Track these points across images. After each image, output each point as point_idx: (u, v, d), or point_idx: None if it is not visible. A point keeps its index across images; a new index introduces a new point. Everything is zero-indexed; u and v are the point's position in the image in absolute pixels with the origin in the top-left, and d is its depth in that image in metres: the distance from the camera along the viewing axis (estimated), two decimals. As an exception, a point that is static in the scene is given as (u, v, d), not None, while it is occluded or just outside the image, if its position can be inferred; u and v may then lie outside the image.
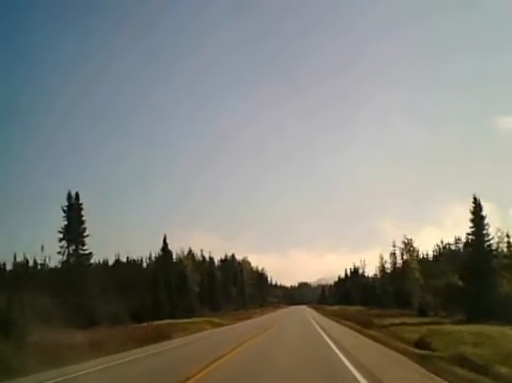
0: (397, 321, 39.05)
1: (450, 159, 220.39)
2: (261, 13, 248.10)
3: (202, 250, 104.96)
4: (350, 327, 35.60)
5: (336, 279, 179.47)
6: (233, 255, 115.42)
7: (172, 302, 61.77)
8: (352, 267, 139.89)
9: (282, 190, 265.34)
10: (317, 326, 38.75)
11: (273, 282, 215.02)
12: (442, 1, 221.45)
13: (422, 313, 53.92)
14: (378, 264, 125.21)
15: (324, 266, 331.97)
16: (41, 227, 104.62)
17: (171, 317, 55.81)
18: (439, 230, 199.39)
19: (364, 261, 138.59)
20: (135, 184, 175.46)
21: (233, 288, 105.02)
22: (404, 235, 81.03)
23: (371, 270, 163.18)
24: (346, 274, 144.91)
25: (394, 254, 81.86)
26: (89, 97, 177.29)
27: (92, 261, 51.28)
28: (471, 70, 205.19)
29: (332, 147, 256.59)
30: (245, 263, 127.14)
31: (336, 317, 54.58)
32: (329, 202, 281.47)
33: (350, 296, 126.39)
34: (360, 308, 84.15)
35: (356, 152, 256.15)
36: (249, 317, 68.33)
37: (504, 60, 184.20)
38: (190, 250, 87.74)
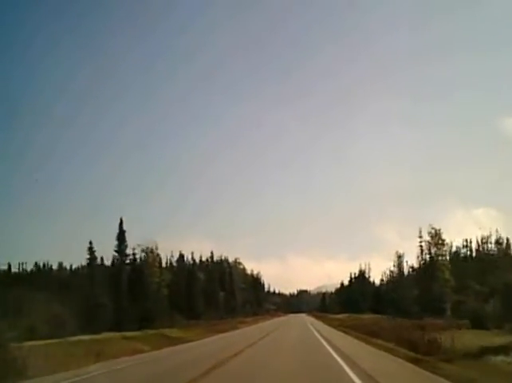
0: (472, 341, 21.59)
1: (452, 164, 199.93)
2: (262, 13, 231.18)
3: (192, 253, 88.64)
4: (395, 354, 18.29)
5: (336, 287, 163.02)
6: (221, 256, 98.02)
7: (121, 307, 44.24)
8: (357, 271, 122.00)
9: (281, 196, 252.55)
10: (330, 349, 21.41)
11: (272, 290, 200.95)
12: (443, 3, 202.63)
13: (477, 323, 36.40)
14: (391, 265, 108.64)
15: (323, 274, 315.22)
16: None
17: (116, 328, 38.40)
18: (443, 235, 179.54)
19: (368, 264, 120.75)
20: (134, 188, 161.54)
21: (220, 293, 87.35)
22: (430, 225, 63.30)
23: (375, 276, 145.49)
24: (351, 279, 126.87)
25: (421, 247, 63.19)
26: (90, 98, 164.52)
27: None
28: (474, 72, 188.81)
29: (331, 152, 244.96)
30: (236, 265, 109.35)
31: (352, 330, 37.11)
32: (328, 208, 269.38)
33: (357, 303, 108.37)
34: (375, 316, 66.32)
35: (355, 157, 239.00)
36: (232, 329, 50.94)
37: (507, 60, 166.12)
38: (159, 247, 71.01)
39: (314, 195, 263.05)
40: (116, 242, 50.56)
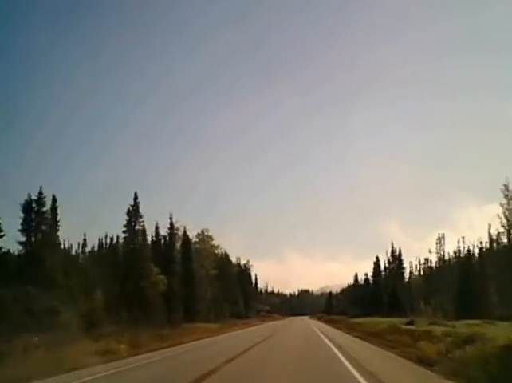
0: None
1: (459, 160, 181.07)
2: (266, 13, 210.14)
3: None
4: None
5: (342, 287, 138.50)
6: (171, 224, 55.58)
7: None
8: (390, 257, 78.59)
9: (281, 193, 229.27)
10: None
11: (270, 289, 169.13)
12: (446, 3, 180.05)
13: None
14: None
15: (325, 274, 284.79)
16: None
17: None
18: (453, 233, 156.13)
19: (400, 250, 77.29)
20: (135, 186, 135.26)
21: (158, 277, 45.16)
22: None
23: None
24: (376, 271, 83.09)
25: None
26: (90, 99, 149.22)
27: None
28: (481, 70, 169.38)
29: (332, 150, 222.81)
30: (204, 240, 66.97)
31: None
32: (330, 207, 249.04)
33: (393, 302, 66.35)
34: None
35: (358, 155, 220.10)
36: None
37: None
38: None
39: (315, 193, 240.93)
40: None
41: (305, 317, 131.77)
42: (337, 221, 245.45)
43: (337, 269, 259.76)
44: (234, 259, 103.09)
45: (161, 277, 47.76)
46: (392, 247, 76.88)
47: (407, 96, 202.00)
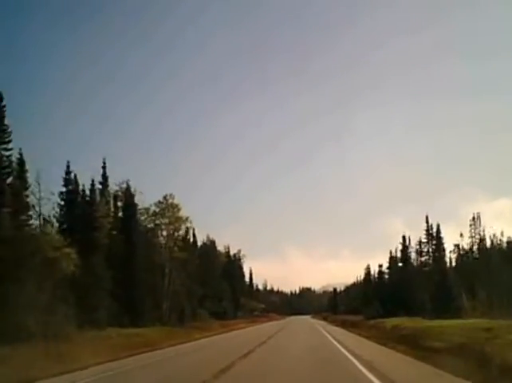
0: None
1: (462, 158, 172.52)
2: (266, 13, 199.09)
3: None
4: None
5: (346, 284, 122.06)
6: (104, 175, 35.87)
7: None
8: (424, 237, 56.96)
9: (282, 192, 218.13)
10: None
11: (270, 287, 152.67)
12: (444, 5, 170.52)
13: None
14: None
15: (327, 273, 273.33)
16: None
17: None
18: (458, 228, 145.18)
19: (437, 226, 55.36)
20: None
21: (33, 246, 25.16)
22: None
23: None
24: (404, 256, 61.43)
25: None
26: (92, 100, 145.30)
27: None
28: (478, 72, 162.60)
29: (335, 149, 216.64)
30: (168, 209, 46.47)
31: None
32: (332, 205, 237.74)
33: (442, 296, 45.85)
34: None
35: (360, 154, 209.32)
36: None
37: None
38: None
39: (317, 191, 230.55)
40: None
41: (307, 317, 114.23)
42: (339, 219, 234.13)
43: (339, 267, 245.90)
44: (221, 249, 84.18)
45: (67, 250, 27.65)
46: (427, 224, 55.21)
47: (408, 96, 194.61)
